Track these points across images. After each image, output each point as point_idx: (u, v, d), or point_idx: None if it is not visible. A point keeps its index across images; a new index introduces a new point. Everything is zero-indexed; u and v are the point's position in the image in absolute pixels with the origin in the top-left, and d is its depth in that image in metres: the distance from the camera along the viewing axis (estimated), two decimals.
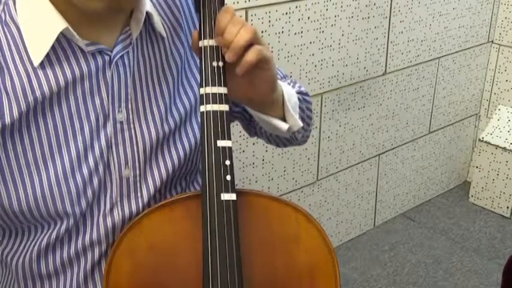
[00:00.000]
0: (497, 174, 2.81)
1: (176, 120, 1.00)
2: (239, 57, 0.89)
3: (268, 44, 1.97)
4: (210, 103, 0.88)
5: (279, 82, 1.01)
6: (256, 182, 2.17)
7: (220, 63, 0.90)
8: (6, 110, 0.86)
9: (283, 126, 1.02)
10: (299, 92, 1.11)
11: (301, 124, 1.05)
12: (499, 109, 2.86)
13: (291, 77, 2.08)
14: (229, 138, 0.88)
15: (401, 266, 2.48)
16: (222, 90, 0.89)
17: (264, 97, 0.98)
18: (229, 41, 0.88)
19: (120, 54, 0.93)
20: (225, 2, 0.95)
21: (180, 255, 0.92)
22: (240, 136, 2.01)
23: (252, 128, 1.17)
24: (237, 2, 1.86)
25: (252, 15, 1.90)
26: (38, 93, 0.88)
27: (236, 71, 0.89)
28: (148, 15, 0.95)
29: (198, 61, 1.04)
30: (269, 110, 1.01)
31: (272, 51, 2.00)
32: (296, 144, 1.16)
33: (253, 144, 2.08)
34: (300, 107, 1.09)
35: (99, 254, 0.98)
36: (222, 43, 0.89)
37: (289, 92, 1.05)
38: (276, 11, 1.96)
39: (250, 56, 0.89)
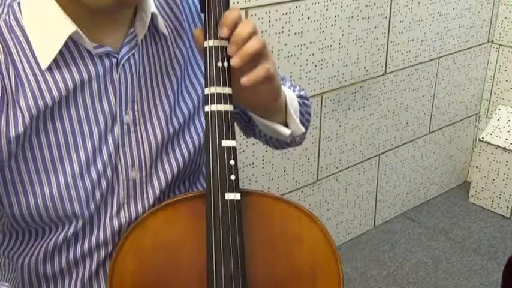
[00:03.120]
0: (497, 174, 2.81)
1: (180, 121, 1.00)
2: (244, 64, 0.88)
3: (268, 43, 1.97)
4: (214, 103, 0.88)
5: (282, 88, 1.01)
6: (256, 182, 2.17)
7: (225, 64, 0.89)
8: (19, 121, 0.85)
9: (286, 131, 1.03)
10: (299, 96, 1.11)
11: (303, 129, 1.06)
12: (499, 109, 2.86)
13: (291, 78, 2.09)
14: (233, 138, 0.88)
15: (401, 266, 2.48)
16: (227, 90, 0.88)
17: (267, 105, 0.98)
18: (239, 39, 0.87)
19: (126, 56, 0.93)
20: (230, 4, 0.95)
21: (184, 255, 0.92)
22: (240, 136, 2.00)
23: (250, 130, 1.17)
24: (237, 2, 1.86)
25: (252, 15, 1.90)
26: (47, 98, 0.87)
27: (242, 81, 0.88)
28: (152, 16, 0.95)
29: (200, 61, 1.04)
30: (272, 116, 1.01)
31: (272, 51, 2.00)
32: (293, 145, 1.16)
33: (253, 144, 2.08)
34: (299, 111, 1.09)
35: (105, 255, 0.98)
36: (231, 40, 0.87)
37: (290, 96, 1.05)
38: (276, 11, 1.96)
39: (260, 72, 0.88)
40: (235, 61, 0.87)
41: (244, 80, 0.88)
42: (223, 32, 0.88)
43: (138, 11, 0.94)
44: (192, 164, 1.03)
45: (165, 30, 0.98)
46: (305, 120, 1.12)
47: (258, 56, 0.88)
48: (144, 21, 0.94)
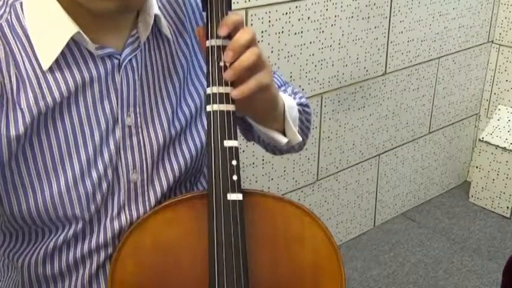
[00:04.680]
0: (497, 174, 2.81)
1: (182, 123, 0.99)
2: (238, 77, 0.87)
3: (268, 43, 1.97)
4: (216, 103, 0.87)
5: (280, 94, 1.01)
6: (256, 182, 2.16)
7: (227, 63, 0.89)
8: (20, 121, 0.85)
9: (283, 140, 1.02)
10: (300, 104, 1.10)
11: (300, 139, 1.05)
12: (499, 109, 2.86)
13: (291, 78, 2.09)
14: (235, 138, 0.87)
15: (401, 266, 2.48)
16: (229, 89, 0.87)
17: (264, 113, 0.98)
18: (236, 46, 0.86)
19: (128, 58, 0.92)
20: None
21: (185, 255, 0.92)
22: (240, 136, 2.00)
23: (250, 134, 1.16)
24: (237, 2, 1.85)
25: (252, 15, 1.90)
26: (49, 99, 0.87)
27: (232, 94, 0.87)
28: (155, 18, 0.94)
29: (202, 63, 1.03)
30: (269, 123, 1.01)
31: (272, 51, 2.00)
32: (293, 152, 1.16)
33: (253, 144, 2.06)
34: (299, 119, 1.08)
35: (105, 257, 0.97)
36: (228, 47, 0.87)
37: (290, 104, 1.04)
38: (276, 11, 1.96)
39: (251, 85, 0.87)
40: (228, 75, 0.86)
41: (235, 92, 0.87)
42: (222, 30, 0.87)
43: (141, 13, 0.93)
44: (194, 166, 1.03)
45: (168, 32, 0.97)
46: (305, 128, 1.12)
47: (253, 67, 0.87)
48: (147, 23, 0.93)
